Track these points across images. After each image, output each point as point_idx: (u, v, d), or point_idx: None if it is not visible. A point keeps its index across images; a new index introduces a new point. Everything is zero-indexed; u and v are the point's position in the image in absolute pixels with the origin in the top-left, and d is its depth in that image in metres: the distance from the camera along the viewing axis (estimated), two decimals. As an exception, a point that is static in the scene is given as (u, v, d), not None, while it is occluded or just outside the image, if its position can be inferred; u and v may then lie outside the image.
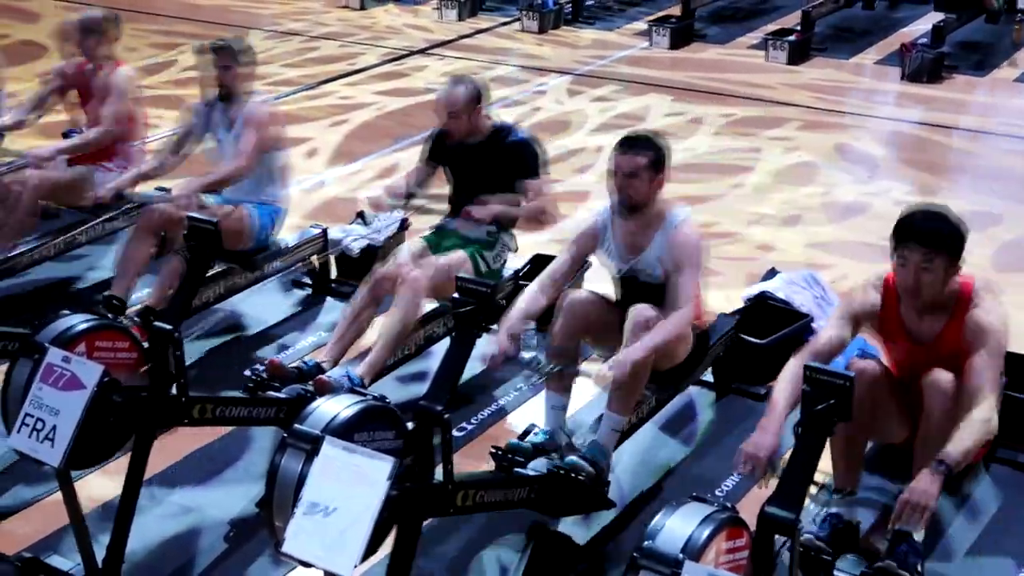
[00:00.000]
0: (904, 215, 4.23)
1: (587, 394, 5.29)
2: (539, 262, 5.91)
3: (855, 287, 4.55)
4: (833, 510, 4.44)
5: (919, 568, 4.22)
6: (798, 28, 11.62)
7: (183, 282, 4.73)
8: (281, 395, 5.10)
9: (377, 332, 5.45)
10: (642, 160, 4.72)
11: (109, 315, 5.50)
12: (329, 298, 6.56)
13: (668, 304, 4.66)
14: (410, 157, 6.78)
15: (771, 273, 6.41)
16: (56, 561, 4.48)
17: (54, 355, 4.24)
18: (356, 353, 5.52)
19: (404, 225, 6.60)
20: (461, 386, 4.29)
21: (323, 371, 5.29)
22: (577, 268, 4.97)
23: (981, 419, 3.97)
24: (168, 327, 4.51)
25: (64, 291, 6.69)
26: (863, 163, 8.83)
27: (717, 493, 4.87)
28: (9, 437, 4.29)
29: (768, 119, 9.70)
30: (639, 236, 4.82)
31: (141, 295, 6.24)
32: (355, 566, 3.47)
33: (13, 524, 4.79)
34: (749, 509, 3.73)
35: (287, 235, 6.50)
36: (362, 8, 13.38)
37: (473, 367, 4.71)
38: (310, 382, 5.16)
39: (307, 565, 3.59)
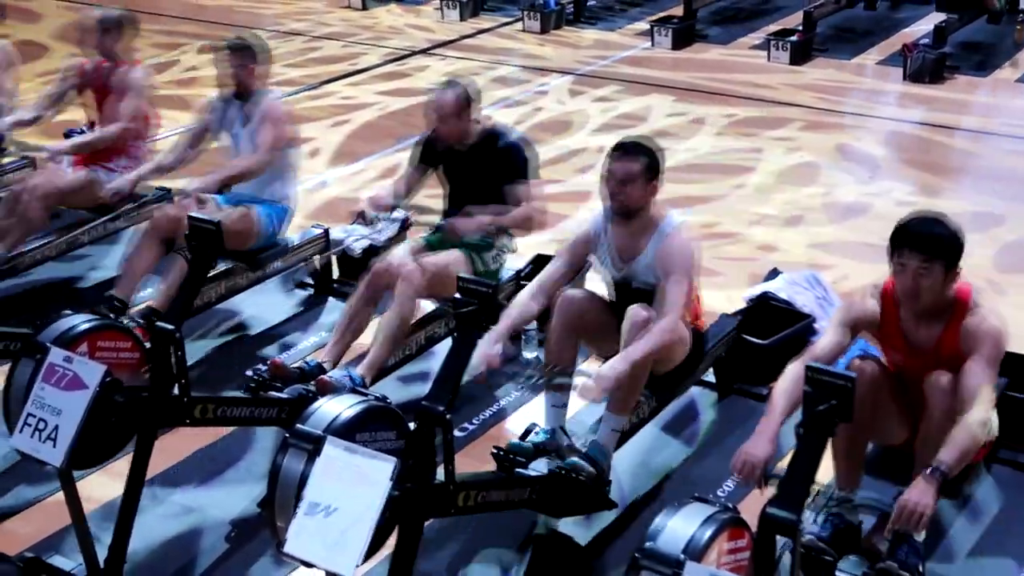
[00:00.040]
0: (902, 221, 4.23)
1: (588, 394, 5.29)
2: (541, 262, 5.90)
3: (853, 294, 4.55)
4: (835, 511, 4.44)
5: (920, 569, 4.22)
6: (800, 28, 11.60)
7: (185, 282, 4.73)
8: (283, 395, 5.10)
9: (375, 330, 5.45)
10: (637, 166, 4.70)
11: (111, 315, 5.50)
12: (331, 298, 6.56)
13: (657, 312, 4.64)
14: (412, 157, 6.76)
15: (773, 273, 6.41)
16: (58, 561, 4.49)
17: (56, 355, 4.25)
18: (357, 353, 5.52)
19: (406, 225, 6.61)
20: (463, 386, 4.28)
21: (325, 371, 5.30)
22: (572, 276, 4.93)
23: (974, 423, 3.97)
24: (170, 327, 4.51)
25: (66, 291, 6.70)
26: (865, 163, 8.83)
27: (719, 494, 4.87)
28: (11, 437, 4.29)
29: (770, 119, 9.70)
30: (633, 242, 4.80)
31: (145, 295, 6.25)
32: (357, 566, 3.48)
33: (15, 524, 4.80)
34: (751, 510, 3.73)
35: (289, 235, 6.50)
36: (364, 8, 13.38)
37: (475, 367, 4.71)
38: (312, 382, 5.17)
39: (309, 565, 3.60)
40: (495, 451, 4.54)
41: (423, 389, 4.33)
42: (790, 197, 8.17)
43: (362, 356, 5.43)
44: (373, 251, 6.46)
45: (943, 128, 9.58)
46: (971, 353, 4.13)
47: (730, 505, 3.66)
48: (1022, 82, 10.82)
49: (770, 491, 3.72)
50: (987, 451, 4.67)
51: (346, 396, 4.09)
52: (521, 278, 5.86)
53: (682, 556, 3.38)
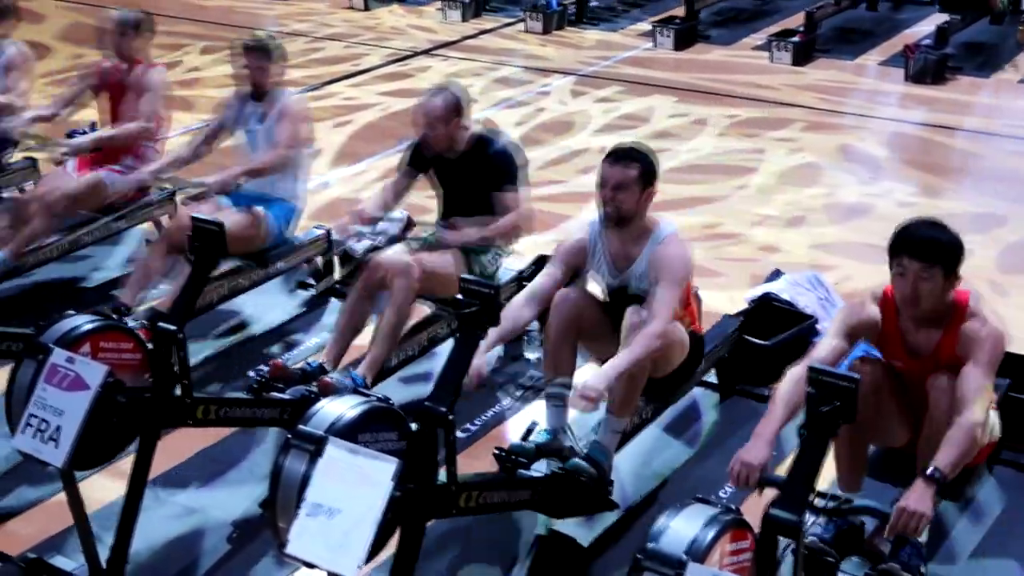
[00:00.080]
0: (901, 226, 4.23)
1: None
2: (542, 263, 5.89)
3: (853, 299, 4.54)
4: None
5: (922, 570, 4.22)
6: (802, 29, 11.61)
7: (187, 283, 4.73)
8: (285, 396, 5.10)
9: (373, 330, 5.46)
10: (632, 172, 4.66)
11: (113, 316, 5.50)
12: (333, 299, 6.56)
13: (646, 318, 4.61)
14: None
15: (775, 274, 6.40)
16: (60, 562, 4.49)
17: (58, 356, 4.25)
18: (359, 354, 5.52)
19: (408, 225, 6.60)
20: (480, 381, 4.29)
21: (326, 372, 5.30)
22: (564, 284, 4.85)
23: (970, 424, 3.98)
24: (172, 328, 4.51)
25: (69, 291, 6.70)
26: (866, 164, 8.83)
27: (721, 495, 4.85)
28: (13, 438, 4.30)
29: (772, 120, 9.70)
30: (627, 250, 4.77)
31: (153, 295, 6.25)
32: (359, 567, 3.48)
33: (17, 524, 4.80)
34: (753, 511, 3.72)
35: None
36: (366, 9, 13.39)
37: (485, 362, 4.71)
38: (313, 383, 5.17)
39: (311, 566, 3.60)
40: (497, 452, 4.54)
41: (425, 390, 4.33)
42: (792, 198, 8.17)
43: (363, 357, 5.43)
44: (375, 251, 6.45)
45: (945, 129, 9.58)
46: (969, 356, 4.13)
47: (732, 506, 3.66)
48: (1024, 83, 10.83)
49: (771, 493, 3.71)
50: (989, 452, 4.66)
51: (348, 397, 4.09)
52: (523, 279, 5.85)
53: (684, 557, 3.38)
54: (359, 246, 6.41)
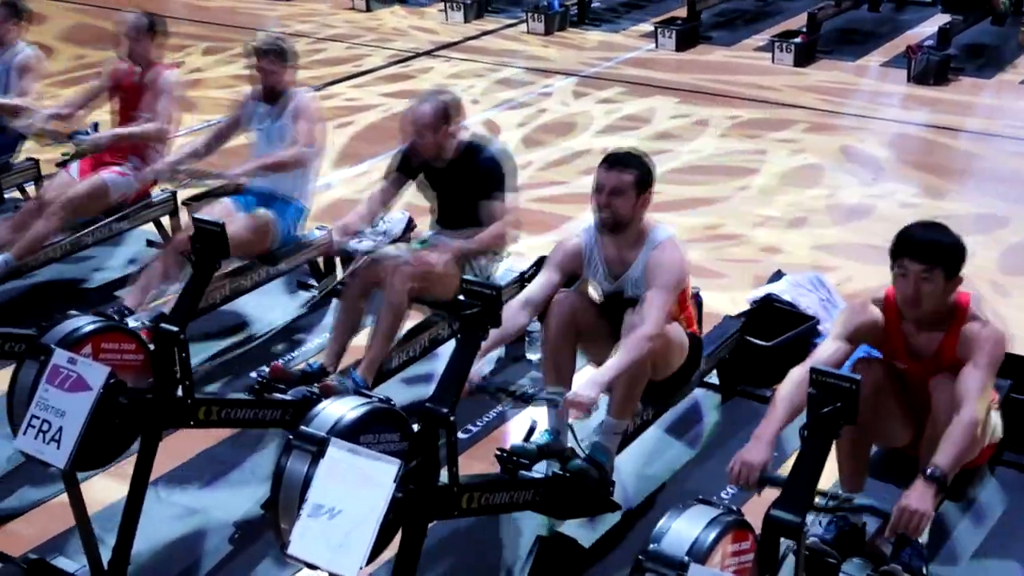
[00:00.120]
0: (903, 229, 4.24)
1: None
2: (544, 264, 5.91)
3: (854, 302, 4.54)
4: (838, 514, 4.44)
5: (924, 572, 4.22)
6: (804, 30, 11.61)
7: (189, 284, 4.74)
8: (286, 397, 5.11)
9: (370, 331, 5.46)
10: (628, 177, 4.62)
11: (115, 317, 5.51)
12: (335, 299, 6.56)
13: (634, 322, 4.57)
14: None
15: (777, 275, 6.40)
16: (62, 563, 4.49)
17: (60, 356, 4.25)
18: (359, 355, 5.52)
19: (410, 226, 6.60)
20: (472, 387, 4.28)
21: (327, 373, 5.31)
22: (558, 289, 4.81)
23: (967, 423, 3.98)
24: (174, 328, 4.51)
25: (70, 292, 6.71)
26: (868, 165, 8.83)
27: (723, 496, 4.85)
28: (15, 439, 4.30)
29: (774, 121, 9.70)
30: (623, 255, 4.75)
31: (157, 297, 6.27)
32: (360, 568, 3.48)
33: (19, 525, 4.81)
34: (755, 512, 3.72)
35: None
36: (368, 10, 13.40)
37: (479, 369, 4.71)
38: (315, 384, 5.17)
39: (312, 567, 3.60)
40: (499, 453, 4.54)
41: (427, 391, 4.33)
42: (794, 199, 8.17)
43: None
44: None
45: (947, 130, 9.57)
46: (969, 357, 4.13)
47: (734, 507, 3.66)
48: (1026, 84, 10.83)
49: (774, 492, 3.71)
50: (991, 453, 4.66)
51: (350, 398, 4.09)
52: (525, 279, 5.85)
53: (686, 558, 3.38)
54: (360, 246, 6.42)
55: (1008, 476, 5.03)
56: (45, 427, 4.16)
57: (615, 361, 4.40)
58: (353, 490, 3.58)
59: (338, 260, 6.64)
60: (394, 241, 6.43)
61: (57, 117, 7.01)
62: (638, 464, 5.15)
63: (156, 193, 7.04)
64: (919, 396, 4.29)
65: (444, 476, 4.00)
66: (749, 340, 5.64)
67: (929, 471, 3.87)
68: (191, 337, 4.63)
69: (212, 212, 6.04)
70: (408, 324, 5.74)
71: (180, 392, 4.57)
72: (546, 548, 4.58)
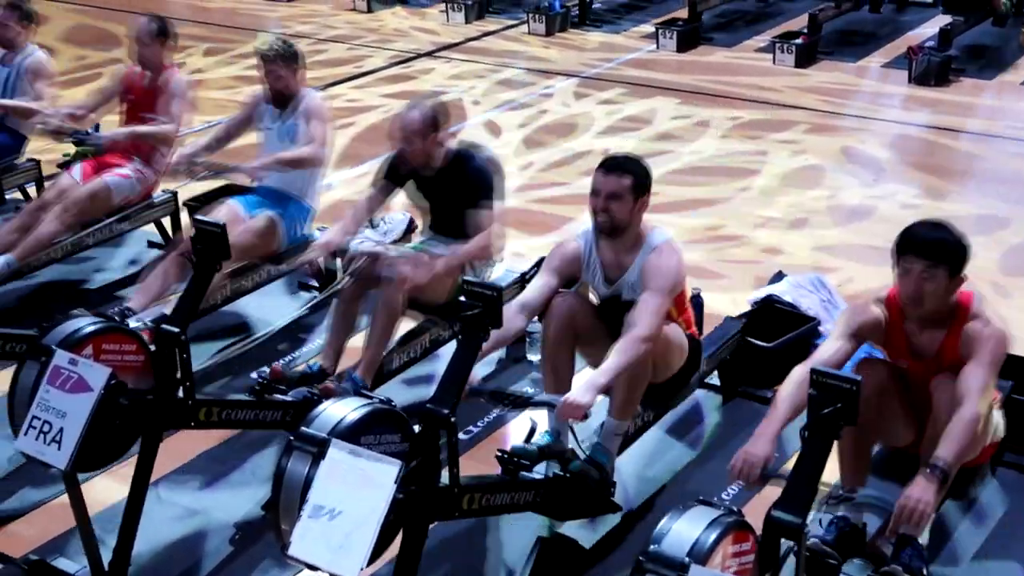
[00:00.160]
0: (907, 227, 4.25)
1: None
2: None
3: (857, 301, 4.54)
4: (840, 513, 4.44)
5: (924, 572, 4.22)
6: (805, 31, 11.61)
7: (190, 285, 4.74)
8: (287, 398, 5.11)
9: (367, 332, 5.46)
10: (626, 181, 4.61)
11: (115, 318, 5.52)
12: (335, 300, 6.55)
13: (627, 324, 4.55)
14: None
15: (778, 276, 6.40)
16: (62, 564, 4.49)
17: (61, 357, 4.25)
18: (357, 356, 5.52)
19: (411, 227, 6.61)
20: (468, 390, 4.28)
21: (327, 374, 5.31)
22: (556, 292, 4.80)
23: (968, 418, 4.01)
24: (175, 329, 4.51)
25: (72, 293, 6.71)
26: (869, 166, 8.82)
27: (723, 497, 4.86)
28: (16, 440, 4.30)
29: (775, 122, 9.70)
30: (620, 259, 4.74)
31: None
32: (361, 569, 3.48)
33: (19, 526, 4.81)
34: (755, 513, 3.72)
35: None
36: (369, 11, 13.40)
37: (479, 370, 4.70)
38: (315, 386, 5.17)
39: (313, 568, 3.60)
40: (499, 454, 4.54)
41: (427, 392, 4.33)
42: (795, 200, 8.17)
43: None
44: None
45: (948, 131, 9.57)
46: (971, 356, 4.14)
47: (735, 508, 3.66)
48: (1027, 85, 10.83)
49: (775, 493, 3.71)
50: (993, 451, 4.66)
51: (350, 399, 4.09)
52: (526, 280, 5.85)
53: (687, 559, 3.38)
54: (362, 247, 6.42)
55: (1009, 477, 5.02)
56: (46, 428, 4.16)
57: (610, 363, 4.39)
58: (354, 491, 3.58)
59: (338, 260, 6.64)
60: (395, 242, 6.45)
61: (71, 118, 7.05)
62: (639, 465, 5.15)
63: (157, 194, 7.04)
64: (921, 395, 4.30)
65: (445, 477, 4.00)
66: (750, 341, 5.64)
67: (931, 464, 3.88)
68: (192, 338, 4.63)
69: (218, 213, 6.05)
70: (409, 325, 5.75)
71: (181, 393, 4.57)
72: (547, 549, 4.58)
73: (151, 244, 7.22)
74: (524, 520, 4.61)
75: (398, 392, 5.40)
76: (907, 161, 9.06)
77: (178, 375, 4.55)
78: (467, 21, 12.90)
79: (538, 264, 6.00)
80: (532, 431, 4.57)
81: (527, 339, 5.88)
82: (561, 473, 4.54)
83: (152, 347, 4.68)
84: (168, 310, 5.74)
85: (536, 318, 4.89)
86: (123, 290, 6.70)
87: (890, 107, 10.35)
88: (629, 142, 9.06)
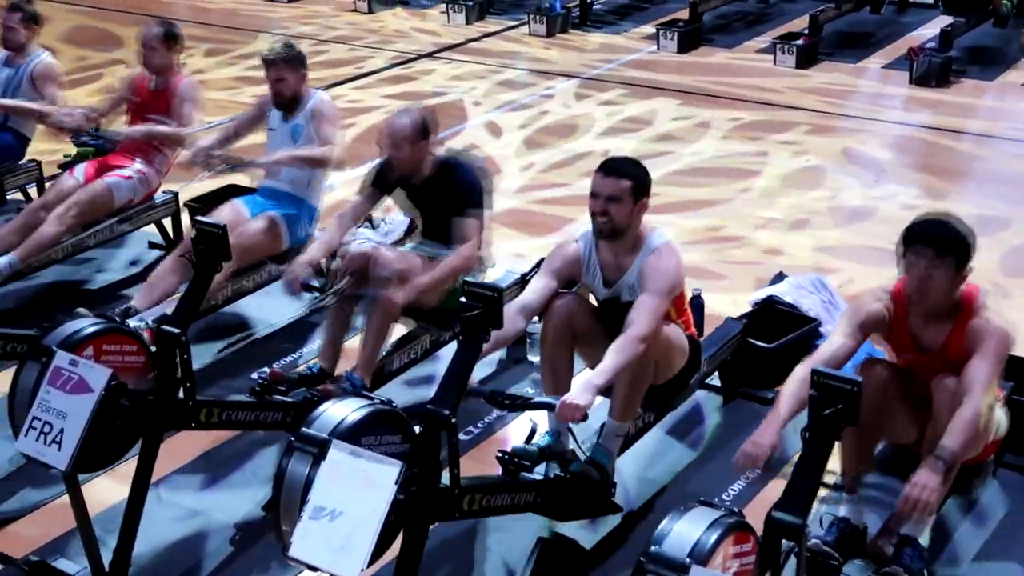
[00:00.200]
0: (914, 221, 4.27)
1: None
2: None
3: (862, 295, 4.55)
4: (841, 514, 4.44)
5: (925, 573, 4.22)
6: (806, 32, 11.61)
7: (191, 286, 4.74)
8: (288, 399, 5.11)
9: (363, 332, 5.46)
10: (625, 184, 4.60)
11: (116, 319, 5.52)
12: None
13: (625, 325, 4.54)
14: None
15: (779, 277, 6.41)
16: (63, 564, 4.49)
17: (62, 358, 4.25)
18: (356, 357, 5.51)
19: (412, 228, 6.61)
20: (467, 391, 4.27)
21: (327, 374, 5.31)
22: (555, 294, 4.78)
23: (971, 411, 4.03)
24: (176, 330, 4.51)
25: (73, 293, 6.71)
26: (870, 167, 8.82)
27: (724, 497, 4.86)
28: (16, 440, 4.30)
29: (776, 123, 9.70)
30: (619, 261, 4.73)
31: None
32: (362, 570, 3.48)
33: (20, 527, 4.81)
34: (756, 514, 3.72)
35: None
36: (370, 12, 13.40)
37: (480, 371, 4.70)
38: (316, 387, 5.17)
39: (314, 569, 3.61)
40: (500, 455, 4.54)
41: (428, 393, 4.33)
42: (796, 201, 8.17)
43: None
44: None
45: (949, 132, 9.57)
46: (976, 349, 4.16)
47: (735, 509, 3.66)
48: (1028, 86, 10.82)
49: (776, 494, 3.71)
50: (995, 449, 4.67)
51: (351, 400, 4.09)
52: (526, 281, 5.85)
53: (687, 560, 3.38)
54: (355, 247, 6.42)
55: (1010, 478, 5.02)
56: (46, 429, 4.16)
57: (607, 363, 4.39)
58: (354, 492, 3.58)
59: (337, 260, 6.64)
60: (396, 243, 6.45)
61: (90, 118, 7.11)
62: (639, 466, 5.15)
63: (159, 195, 7.05)
64: (925, 392, 4.31)
65: (445, 478, 4.00)
66: (751, 342, 5.64)
67: (935, 457, 3.89)
68: (193, 338, 4.63)
69: (221, 214, 6.06)
70: (409, 325, 5.74)
71: (181, 394, 4.57)
72: (547, 550, 4.58)
73: (152, 245, 7.22)
74: (524, 521, 4.61)
75: (399, 393, 5.40)
76: (908, 162, 9.06)
77: (179, 376, 4.55)
78: (468, 22, 12.90)
79: (538, 265, 6.00)
80: (532, 432, 4.57)
81: (527, 340, 5.88)
82: (562, 474, 4.54)
83: (153, 348, 4.69)
84: (170, 310, 5.78)
85: (536, 319, 4.89)
86: (124, 291, 6.70)
87: (891, 108, 10.35)
88: (630, 143, 9.06)
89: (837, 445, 3.86)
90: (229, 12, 13.56)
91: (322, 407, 4.03)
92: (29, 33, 7.34)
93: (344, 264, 5.48)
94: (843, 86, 10.80)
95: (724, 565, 3.50)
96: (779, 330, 5.75)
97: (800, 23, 12.16)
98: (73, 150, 7.34)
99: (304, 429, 3.90)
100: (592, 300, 4.93)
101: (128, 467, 4.55)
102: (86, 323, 4.62)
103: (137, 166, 6.81)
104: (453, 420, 3.95)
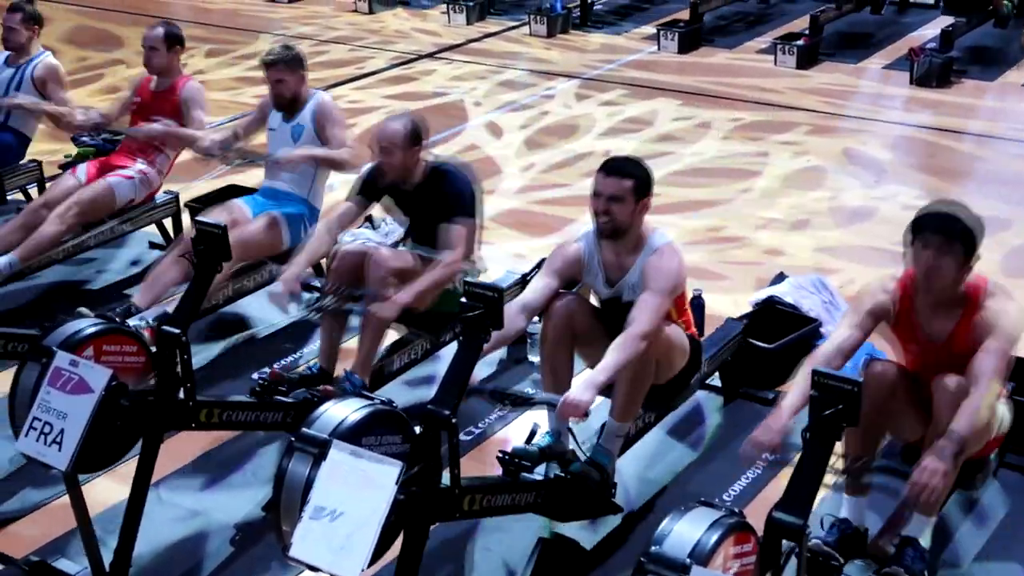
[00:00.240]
0: (922, 210, 4.31)
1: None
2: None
3: (868, 286, 4.54)
4: (842, 515, 4.44)
5: (926, 574, 4.22)
6: (806, 33, 11.60)
7: (191, 286, 4.74)
8: (288, 399, 5.11)
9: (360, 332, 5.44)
10: (628, 183, 4.60)
11: (116, 319, 5.52)
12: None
13: (627, 324, 4.54)
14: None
15: (779, 277, 6.40)
16: (63, 565, 4.49)
17: (62, 359, 4.25)
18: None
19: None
20: (466, 395, 4.28)
21: (327, 374, 5.30)
22: (556, 293, 4.78)
23: (979, 399, 4.03)
24: (176, 331, 4.51)
25: (74, 294, 6.71)
26: (871, 168, 8.82)
27: (724, 498, 4.86)
28: (17, 441, 4.30)
29: (776, 123, 9.69)
30: (621, 261, 4.73)
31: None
32: (362, 570, 3.48)
33: (20, 527, 4.81)
34: (757, 514, 3.72)
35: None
36: (371, 12, 13.39)
37: (480, 371, 4.69)
38: (317, 387, 5.17)
39: (314, 569, 3.60)
40: (500, 455, 4.54)
41: (428, 393, 4.33)
42: (796, 201, 8.16)
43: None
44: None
45: (950, 132, 9.56)
46: (987, 336, 4.17)
47: (736, 509, 3.66)
48: (1029, 86, 10.82)
49: (776, 494, 3.71)
50: (997, 445, 4.67)
51: (351, 400, 4.09)
52: (526, 281, 5.85)
53: (688, 560, 3.38)
54: (349, 246, 6.41)
55: (1011, 479, 5.02)
56: (47, 429, 4.17)
57: (608, 361, 4.39)
58: (355, 492, 3.58)
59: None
60: (396, 244, 6.44)
61: (105, 119, 7.13)
62: (640, 466, 5.14)
63: (159, 195, 7.05)
64: (928, 390, 4.30)
65: (446, 478, 4.00)
66: (751, 342, 5.64)
67: (943, 442, 3.90)
68: (193, 338, 4.63)
69: (222, 214, 6.06)
70: (401, 331, 5.74)
71: (182, 394, 4.57)
72: (548, 550, 4.58)
73: (153, 245, 7.22)
74: (525, 521, 4.62)
75: (399, 393, 5.40)
76: (908, 162, 9.06)
77: (179, 376, 4.55)
78: (468, 22, 12.90)
79: (539, 265, 6.01)
80: (533, 432, 4.57)
81: (528, 340, 5.88)
82: (562, 474, 4.54)
83: (153, 348, 4.69)
84: (171, 309, 5.78)
85: (536, 319, 4.89)
86: (125, 291, 6.70)
87: (891, 108, 10.35)
88: (630, 143, 9.06)
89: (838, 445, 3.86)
90: (230, 12, 13.55)
91: (322, 407, 4.03)
92: (30, 33, 7.34)
93: (331, 279, 5.46)
94: (844, 86, 10.79)
95: (725, 565, 3.50)
96: (780, 331, 5.74)
97: (801, 23, 12.15)
98: (74, 150, 7.34)
99: (304, 429, 3.90)
100: (593, 300, 4.93)
101: (128, 467, 4.55)
102: (86, 323, 4.62)
103: (139, 166, 6.81)
104: (453, 420, 3.95)
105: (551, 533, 4.67)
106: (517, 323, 4.64)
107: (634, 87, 10.70)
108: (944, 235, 4.16)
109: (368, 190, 5.66)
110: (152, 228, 7.13)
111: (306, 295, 6.65)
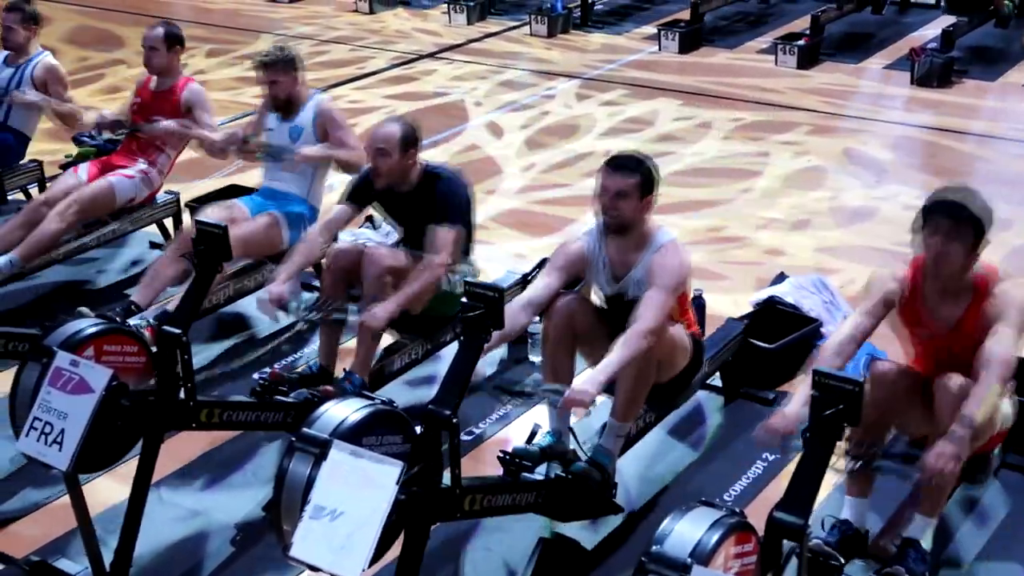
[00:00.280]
0: (931, 197, 4.33)
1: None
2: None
3: (878, 273, 4.53)
4: (843, 515, 4.44)
5: (926, 574, 4.21)
6: (807, 32, 11.60)
7: (192, 286, 4.74)
8: (289, 399, 5.10)
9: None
10: (632, 180, 4.61)
11: (117, 319, 5.52)
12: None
13: (631, 321, 4.54)
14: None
15: (780, 277, 6.40)
16: (64, 564, 4.50)
17: (62, 359, 4.25)
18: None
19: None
20: (469, 390, 4.27)
21: (327, 374, 5.30)
22: (559, 291, 4.77)
23: (990, 383, 4.04)
24: (176, 331, 4.51)
25: (74, 293, 6.71)
26: (871, 168, 8.82)
27: (725, 498, 4.86)
28: (17, 441, 4.30)
29: (777, 123, 9.69)
30: (626, 258, 4.74)
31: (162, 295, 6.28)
32: (363, 570, 3.47)
33: (21, 527, 4.81)
34: (758, 514, 3.72)
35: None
36: (371, 12, 13.39)
37: (482, 370, 4.69)
38: (318, 386, 5.17)
39: (314, 569, 3.60)
40: (501, 455, 4.54)
41: (429, 393, 4.33)
42: (797, 201, 8.16)
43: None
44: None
45: (950, 132, 9.56)
46: (996, 323, 4.19)
47: (737, 509, 3.66)
48: (1030, 86, 10.81)
49: (777, 494, 3.71)
50: (1000, 441, 4.66)
51: (352, 400, 4.09)
52: (527, 281, 5.85)
53: (689, 560, 3.38)
54: (343, 245, 6.41)
55: (1012, 479, 5.01)
56: (47, 429, 4.17)
57: (613, 357, 4.39)
58: (355, 492, 3.58)
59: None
60: (396, 244, 6.44)
61: (117, 120, 7.10)
62: (641, 466, 5.14)
63: (160, 195, 7.05)
64: (936, 372, 4.31)
65: (447, 478, 4.00)
66: (752, 342, 5.64)
67: (958, 419, 3.91)
68: (193, 338, 4.63)
69: (222, 213, 6.05)
70: (395, 336, 5.73)
71: (182, 394, 4.58)
72: (548, 550, 4.58)
73: (153, 245, 7.22)
74: (526, 521, 4.61)
75: (400, 393, 5.40)
76: (909, 162, 9.06)
77: (180, 376, 4.55)
78: (469, 22, 12.89)
79: (540, 265, 6.02)
80: (534, 433, 4.57)
81: (529, 340, 5.88)
82: (563, 474, 4.54)
83: (154, 348, 4.69)
84: (171, 308, 5.78)
85: (537, 319, 4.88)
86: (126, 290, 6.69)
87: (892, 108, 10.35)
88: (631, 144, 9.04)
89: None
90: (231, 12, 13.55)
91: (323, 407, 4.03)
92: (29, 33, 7.33)
93: (327, 277, 5.46)
94: (844, 86, 10.79)
95: (725, 565, 3.50)
96: (780, 331, 5.74)
97: (801, 23, 12.15)
98: (74, 150, 7.34)
99: (305, 429, 3.90)
100: (595, 299, 4.93)
101: (129, 467, 4.55)
102: (87, 323, 4.63)
103: (140, 166, 6.81)
104: (454, 420, 3.95)
105: (552, 533, 4.67)
106: (520, 319, 4.65)
107: (635, 87, 10.70)
108: (953, 221, 4.18)
109: (358, 195, 5.64)
110: (153, 228, 7.13)
111: (306, 295, 6.66)
